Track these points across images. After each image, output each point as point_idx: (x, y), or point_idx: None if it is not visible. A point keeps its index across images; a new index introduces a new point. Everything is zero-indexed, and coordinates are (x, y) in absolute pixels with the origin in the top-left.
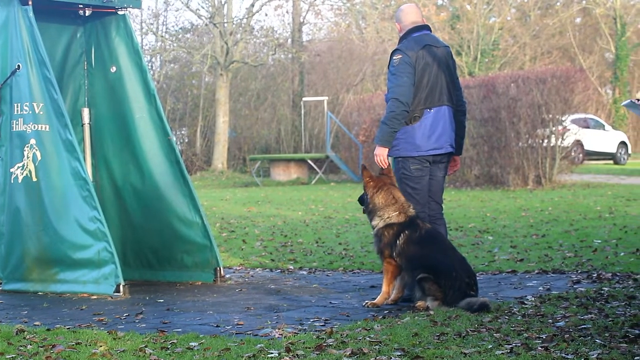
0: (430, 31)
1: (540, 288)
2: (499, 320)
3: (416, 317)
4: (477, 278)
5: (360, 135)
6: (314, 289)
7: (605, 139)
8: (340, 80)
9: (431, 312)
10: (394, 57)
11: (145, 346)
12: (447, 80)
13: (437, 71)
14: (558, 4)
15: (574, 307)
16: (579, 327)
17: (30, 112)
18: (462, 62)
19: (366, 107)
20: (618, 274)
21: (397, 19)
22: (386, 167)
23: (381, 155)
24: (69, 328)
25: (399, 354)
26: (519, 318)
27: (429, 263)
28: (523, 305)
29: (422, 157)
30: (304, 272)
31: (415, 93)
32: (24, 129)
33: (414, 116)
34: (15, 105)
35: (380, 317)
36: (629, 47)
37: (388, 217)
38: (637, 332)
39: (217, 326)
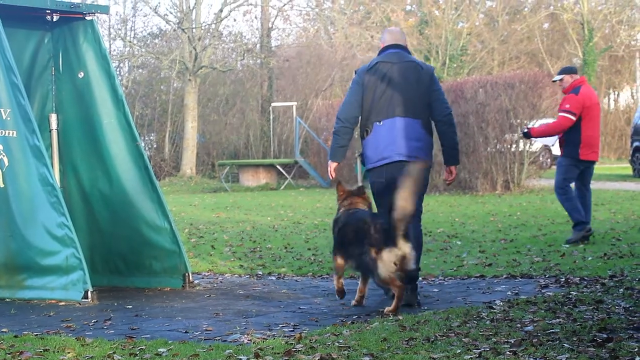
0: (402, 49)
1: (509, 293)
2: (468, 324)
3: (385, 322)
4: (446, 283)
5: (329, 141)
6: (282, 295)
7: None
8: (309, 86)
9: (400, 317)
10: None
11: (114, 352)
12: (405, 93)
13: (388, 85)
14: (526, 9)
15: (542, 311)
16: (547, 332)
17: None
18: None
19: (335, 113)
20: (586, 278)
21: (381, 40)
22: (333, 178)
23: (329, 167)
24: (36, 334)
25: (368, 359)
26: (487, 323)
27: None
28: (491, 310)
29: (375, 167)
30: (273, 278)
31: (366, 108)
32: None
33: (365, 130)
34: None
35: (349, 322)
36: (596, 52)
37: None
38: (604, 336)
39: (185, 332)
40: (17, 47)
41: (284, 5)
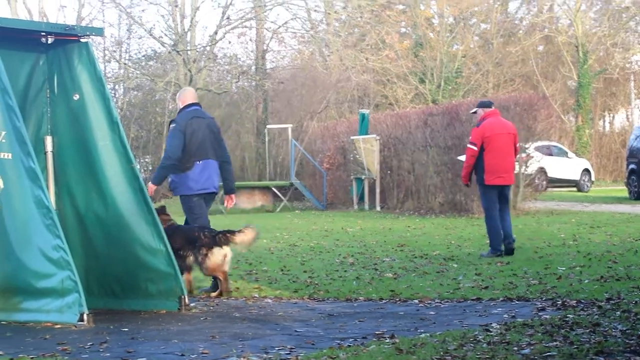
0: (200, 107)
1: (505, 315)
2: (464, 348)
3: (382, 345)
4: (442, 305)
5: (325, 163)
6: (279, 317)
7: (568, 167)
8: (304, 108)
9: (397, 340)
10: (171, 125)
11: None
12: (212, 141)
13: (202, 135)
14: (520, 32)
15: (539, 334)
16: (544, 355)
17: None
18: (425, 89)
19: (330, 135)
20: (582, 301)
21: (178, 97)
22: (151, 194)
23: (150, 189)
24: (32, 357)
25: None
26: (484, 346)
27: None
28: (488, 333)
29: (194, 194)
30: (269, 300)
31: (187, 150)
32: None
33: (186, 166)
34: None
35: (346, 345)
36: (591, 74)
37: None
38: (601, 359)
39: (182, 355)
40: (12, 69)
41: (278, 28)
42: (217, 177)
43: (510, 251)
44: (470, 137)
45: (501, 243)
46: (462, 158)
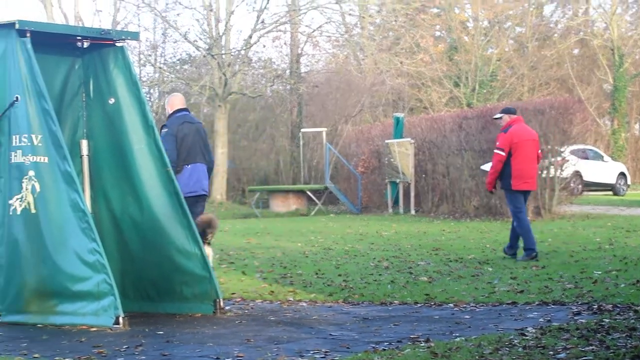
0: (189, 112)
1: (541, 320)
2: (500, 352)
3: (417, 349)
4: (478, 309)
5: (359, 166)
6: (313, 321)
7: (604, 170)
8: (338, 112)
9: (432, 344)
10: (162, 130)
11: None
12: (201, 145)
13: (193, 139)
14: (556, 35)
15: (575, 338)
16: (580, 359)
17: (29, 143)
18: (460, 93)
19: (365, 138)
20: (619, 305)
21: (167, 103)
22: None
23: None
24: None
25: None
26: (519, 350)
27: None
28: (524, 337)
29: (184, 197)
30: (304, 304)
31: (178, 154)
32: (23, 161)
33: (176, 170)
34: (14, 137)
35: (381, 349)
36: (626, 78)
37: None
38: None
39: (217, 358)
40: (48, 73)
41: (313, 31)
42: (206, 181)
43: (513, 255)
44: (497, 143)
45: (535, 243)
46: (486, 167)
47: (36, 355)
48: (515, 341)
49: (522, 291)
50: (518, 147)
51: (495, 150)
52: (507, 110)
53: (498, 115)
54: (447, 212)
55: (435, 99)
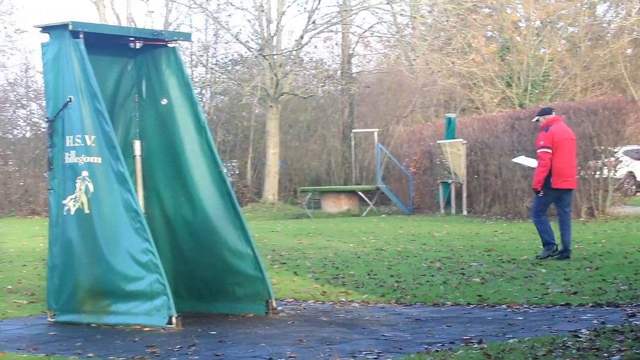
0: None
1: (595, 321)
2: (553, 354)
3: (469, 350)
4: (531, 311)
5: (411, 167)
6: (366, 322)
7: None
8: (390, 112)
9: (485, 346)
10: None
11: None
12: None
13: None
14: (609, 35)
15: (630, 340)
16: None
17: (82, 144)
18: (512, 93)
19: (416, 139)
20: None
21: None
22: None
23: None
24: None
25: None
26: (573, 352)
27: None
28: (577, 339)
29: None
30: (356, 305)
31: None
32: (76, 161)
33: None
34: (67, 137)
35: (433, 350)
36: None
37: None
38: None
39: (270, 359)
40: (101, 74)
41: (364, 32)
42: None
43: (567, 257)
44: (541, 142)
45: (553, 236)
46: (519, 160)
47: (90, 355)
48: (569, 343)
49: (575, 293)
50: (559, 146)
51: (542, 149)
52: (544, 112)
53: (536, 118)
54: (500, 213)
55: (487, 100)
